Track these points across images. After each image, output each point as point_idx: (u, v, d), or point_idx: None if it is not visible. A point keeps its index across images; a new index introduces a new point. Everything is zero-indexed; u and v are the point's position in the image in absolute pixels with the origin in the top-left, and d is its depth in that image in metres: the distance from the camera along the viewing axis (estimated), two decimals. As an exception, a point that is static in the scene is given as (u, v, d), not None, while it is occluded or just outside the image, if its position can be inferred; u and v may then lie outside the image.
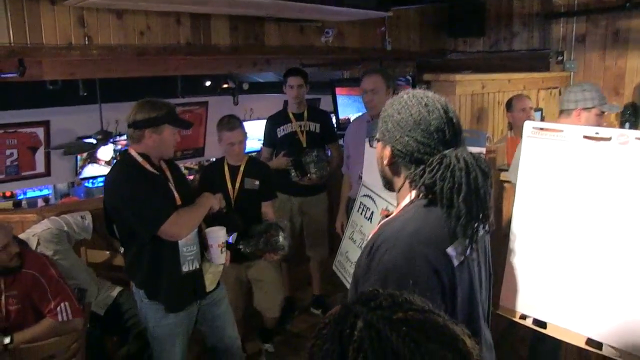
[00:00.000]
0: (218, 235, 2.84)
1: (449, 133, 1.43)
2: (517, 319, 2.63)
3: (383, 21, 5.29)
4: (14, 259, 2.75)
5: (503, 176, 3.22)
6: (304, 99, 4.43)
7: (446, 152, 1.40)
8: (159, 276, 2.75)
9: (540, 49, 5.40)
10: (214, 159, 4.38)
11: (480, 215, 1.38)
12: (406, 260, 1.34)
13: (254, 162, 3.70)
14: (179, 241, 2.71)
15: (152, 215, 2.62)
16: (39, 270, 2.76)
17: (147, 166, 2.72)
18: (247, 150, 3.62)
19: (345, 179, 4.09)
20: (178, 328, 2.83)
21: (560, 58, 5.12)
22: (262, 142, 4.64)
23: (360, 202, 3.13)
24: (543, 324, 2.54)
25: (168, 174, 2.83)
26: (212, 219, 2.97)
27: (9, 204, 9.26)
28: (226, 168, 3.59)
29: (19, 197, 9.74)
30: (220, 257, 2.85)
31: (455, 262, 1.38)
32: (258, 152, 5.39)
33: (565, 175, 2.50)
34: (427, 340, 0.77)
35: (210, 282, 2.93)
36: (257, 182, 3.55)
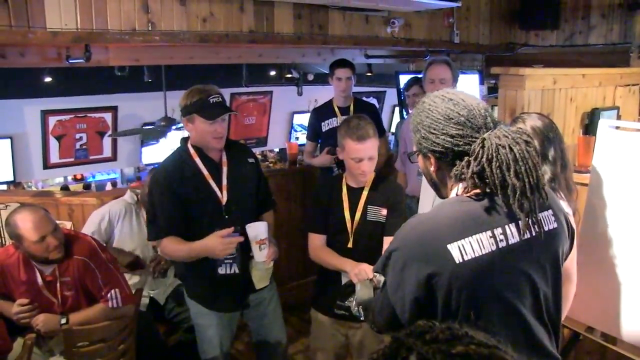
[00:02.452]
0: (256, 231, 2.56)
1: (480, 118, 1.44)
2: (582, 332, 2.46)
3: (451, 12, 5.12)
4: (54, 251, 2.71)
5: (573, 177, 3.03)
6: (350, 92, 4.28)
7: (485, 135, 1.40)
8: (195, 273, 2.74)
9: (620, 42, 5.07)
10: (335, 172, 3.73)
11: (535, 186, 1.38)
12: (401, 248, 1.42)
13: (382, 183, 2.76)
14: None
15: (153, 227, 2.67)
16: (89, 256, 2.79)
17: (196, 159, 2.64)
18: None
19: (400, 177, 3.95)
20: (217, 321, 2.78)
21: (643, 52, 4.79)
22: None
23: None
24: (612, 340, 2.36)
25: (224, 168, 2.69)
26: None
27: (79, 187, 9.65)
28: (344, 189, 2.73)
29: (88, 180, 10.13)
30: (258, 254, 2.58)
31: (458, 259, 1.34)
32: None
33: (644, 178, 2.32)
34: None
35: (257, 280, 2.72)
36: (383, 212, 2.67)
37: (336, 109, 4.25)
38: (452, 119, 1.43)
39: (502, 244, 1.39)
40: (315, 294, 2.94)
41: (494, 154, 1.36)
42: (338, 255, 2.66)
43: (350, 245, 2.67)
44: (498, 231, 1.39)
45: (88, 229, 3.32)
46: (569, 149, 3.33)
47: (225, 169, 2.69)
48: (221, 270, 2.66)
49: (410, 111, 4.84)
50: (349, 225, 2.68)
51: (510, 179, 1.35)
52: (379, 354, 0.74)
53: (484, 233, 1.38)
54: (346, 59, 4.42)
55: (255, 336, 2.99)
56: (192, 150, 2.66)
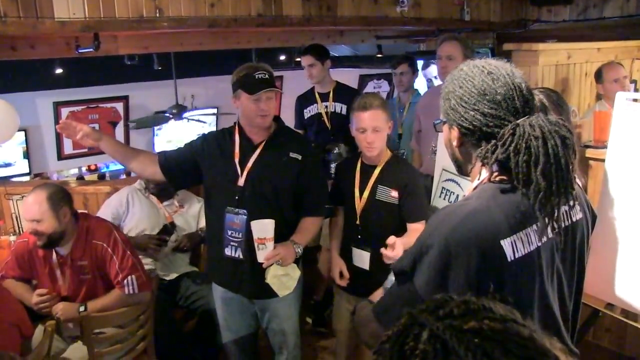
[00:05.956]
0: (259, 228, 2.42)
1: (518, 100, 1.28)
2: (602, 309, 2.43)
3: (462, -11, 5.04)
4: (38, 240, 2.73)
5: (589, 153, 2.98)
6: (325, 78, 4.10)
7: (519, 121, 1.26)
8: (210, 248, 2.85)
9: (638, 14, 4.94)
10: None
11: (562, 189, 1.23)
12: (448, 241, 1.24)
13: (397, 163, 2.74)
14: (226, 221, 2.59)
15: None
16: (107, 241, 2.81)
17: (236, 135, 2.65)
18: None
19: (415, 156, 3.93)
20: (230, 300, 2.77)
21: (662, 23, 4.67)
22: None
23: (442, 187, 2.97)
24: (633, 316, 2.33)
25: (257, 151, 2.61)
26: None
27: (94, 177, 9.69)
28: (358, 166, 2.74)
29: (102, 170, 10.17)
30: (258, 253, 2.43)
31: (510, 257, 1.24)
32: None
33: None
34: (505, 354, 0.63)
35: (276, 287, 2.53)
36: (394, 193, 2.63)
37: (316, 95, 4.14)
38: (487, 95, 1.29)
39: (544, 238, 1.29)
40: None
41: (523, 145, 1.22)
42: (335, 246, 2.83)
43: (358, 222, 2.68)
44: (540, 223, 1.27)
45: (106, 212, 3.46)
46: (585, 125, 3.29)
47: (257, 152, 2.62)
48: (227, 252, 2.63)
49: (397, 91, 4.75)
50: (357, 202, 2.68)
51: (536, 176, 1.21)
52: (393, 331, 0.72)
53: (531, 227, 1.28)
54: (316, 44, 4.26)
55: (264, 323, 2.84)
56: (236, 127, 2.69)
